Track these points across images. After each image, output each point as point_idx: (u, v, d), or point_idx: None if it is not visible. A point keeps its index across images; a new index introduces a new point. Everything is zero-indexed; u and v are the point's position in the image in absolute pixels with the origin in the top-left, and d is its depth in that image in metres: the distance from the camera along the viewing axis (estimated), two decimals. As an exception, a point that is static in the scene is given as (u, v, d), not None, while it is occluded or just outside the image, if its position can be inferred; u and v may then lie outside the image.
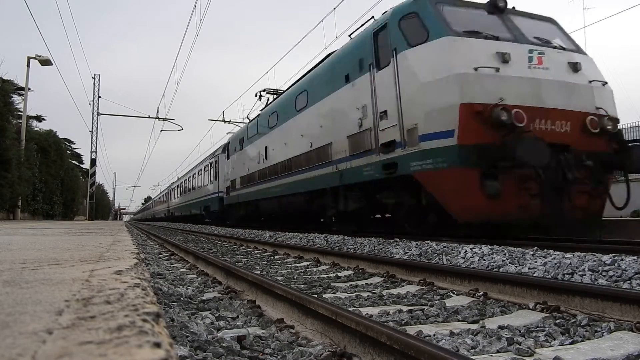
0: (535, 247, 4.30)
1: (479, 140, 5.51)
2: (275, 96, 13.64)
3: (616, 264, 3.31)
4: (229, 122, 27.05)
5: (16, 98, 18.09)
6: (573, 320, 2.30)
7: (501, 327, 2.17)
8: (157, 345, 0.62)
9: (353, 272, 4.52)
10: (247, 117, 16.95)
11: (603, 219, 7.05)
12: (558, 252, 3.95)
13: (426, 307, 2.73)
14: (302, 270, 4.82)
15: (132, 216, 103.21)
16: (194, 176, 25.49)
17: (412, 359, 1.48)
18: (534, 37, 6.50)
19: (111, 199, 77.33)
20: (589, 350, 1.83)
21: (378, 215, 9.49)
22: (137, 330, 0.70)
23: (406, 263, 4.16)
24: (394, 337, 1.59)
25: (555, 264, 3.64)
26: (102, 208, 59.38)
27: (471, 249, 4.72)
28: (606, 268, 3.28)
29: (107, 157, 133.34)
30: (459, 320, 2.43)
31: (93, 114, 29.57)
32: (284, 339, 2.05)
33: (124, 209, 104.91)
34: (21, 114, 19.43)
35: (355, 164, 7.75)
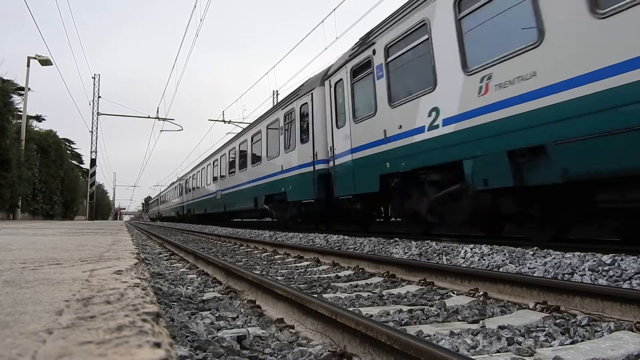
0: (535, 247, 4.30)
1: None
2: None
3: (616, 264, 3.31)
4: (229, 122, 27.10)
5: (16, 98, 18.06)
6: (573, 320, 2.30)
7: (501, 327, 2.16)
8: (157, 345, 0.62)
9: (353, 272, 4.52)
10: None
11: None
12: (558, 252, 3.95)
13: (426, 307, 2.73)
14: (302, 270, 4.82)
15: (133, 216, 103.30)
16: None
17: (412, 359, 1.48)
18: None
19: (111, 199, 77.33)
20: (589, 350, 1.82)
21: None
22: (137, 330, 0.70)
23: (406, 263, 4.16)
24: (394, 337, 1.59)
25: (555, 263, 3.64)
26: (102, 208, 59.33)
27: (471, 249, 4.73)
28: (606, 268, 3.28)
29: (107, 157, 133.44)
30: (459, 320, 2.43)
31: (93, 114, 29.62)
32: (284, 339, 2.05)
33: (124, 209, 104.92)
34: (21, 114, 19.43)
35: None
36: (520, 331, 2.10)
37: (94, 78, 30.06)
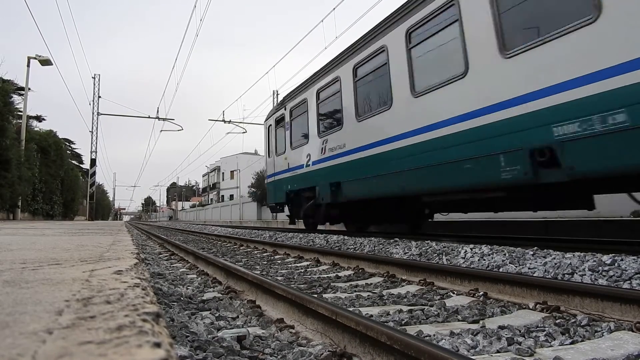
0: (536, 247, 4.30)
1: None
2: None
3: (616, 264, 3.31)
4: (229, 122, 27.15)
5: (16, 98, 18.02)
6: (573, 320, 2.30)
7: (501, 327, 2.17)
8: (157, 345, 0.62)
9: (353, 272, 4.52)
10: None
11: (606, 218, 7.34)
12: (558, 252, 3.95)
13: (426, 307, 2.73)
14: (302, 270, 4.82)
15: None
16: None
17: (412, 359, 1.48)
18: None
19: (111, 199, 77.33)
20: (589, 350, 1.82)
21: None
22: (137, 330, 0.70)
23: (406, 263, 4.16)
24: (394, 337, 1.59)
25: (555, 264, 3.64)
26: (102, 208, 59.30)
27: (471, 249, 4.73)
28: (606, 268, 3.29)
29: (107, 157, 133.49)
30: (459, 320, 2.43)
31: (93, 114, 29.63)
32: (284, 339, 2.05)
33: (124, 209, 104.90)
34: (21, 114, 19.42)
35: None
36: (520, 331, 2.10)
37: (94, 78, 30.08)
